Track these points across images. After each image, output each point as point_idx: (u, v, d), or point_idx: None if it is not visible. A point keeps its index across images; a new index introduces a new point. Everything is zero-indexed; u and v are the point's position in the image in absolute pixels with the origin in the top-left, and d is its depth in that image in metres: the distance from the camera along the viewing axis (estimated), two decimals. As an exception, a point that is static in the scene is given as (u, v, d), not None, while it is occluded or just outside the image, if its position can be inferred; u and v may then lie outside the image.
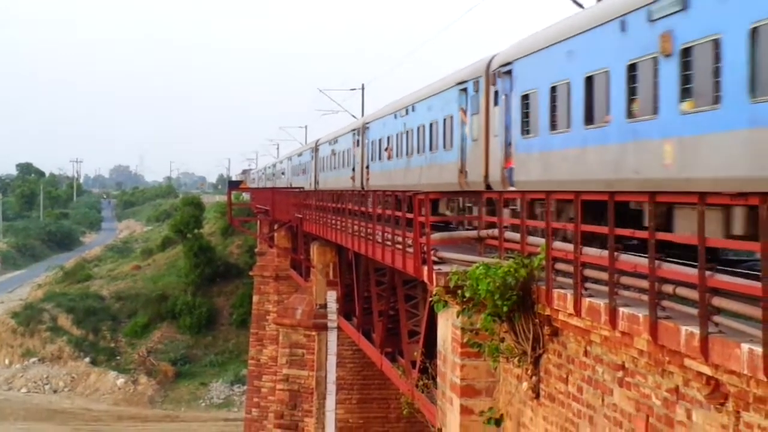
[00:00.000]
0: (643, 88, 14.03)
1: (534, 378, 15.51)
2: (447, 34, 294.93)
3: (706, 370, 10.41)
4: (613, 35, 14.93)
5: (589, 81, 15.86)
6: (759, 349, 9.34)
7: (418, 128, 29.21)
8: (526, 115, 19.05)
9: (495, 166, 21.20)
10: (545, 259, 14.66)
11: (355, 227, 29.93)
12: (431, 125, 27.57)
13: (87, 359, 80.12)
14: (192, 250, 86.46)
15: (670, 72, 13.09)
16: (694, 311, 10.66)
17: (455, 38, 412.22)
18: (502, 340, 16.06)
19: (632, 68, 14.28)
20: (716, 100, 12.06)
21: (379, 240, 25.60)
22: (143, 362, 79.17)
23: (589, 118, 15.92)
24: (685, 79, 12.79)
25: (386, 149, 34.52)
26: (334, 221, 34.87)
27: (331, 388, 39.08)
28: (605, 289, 12.76)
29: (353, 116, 62.38)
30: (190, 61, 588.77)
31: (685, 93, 12.77)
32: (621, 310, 12.26)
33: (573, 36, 16.71)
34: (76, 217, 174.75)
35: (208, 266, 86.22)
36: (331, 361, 39.57)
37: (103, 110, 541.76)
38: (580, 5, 24.32)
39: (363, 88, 71.99)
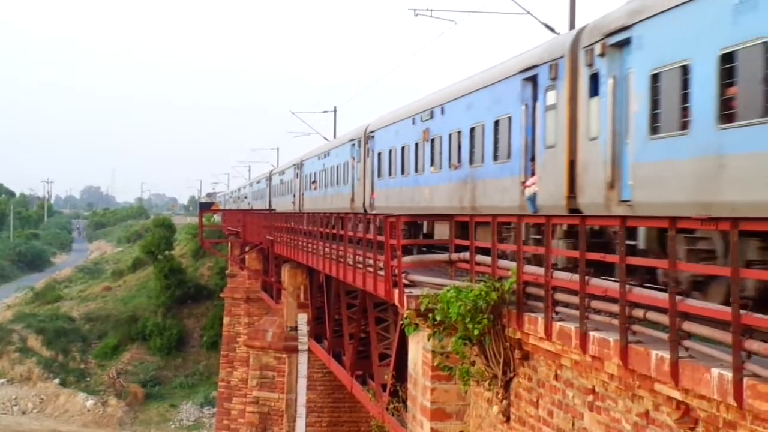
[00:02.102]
0: (420, 157, 26.58)
1: (504, 402, 15.47)
2: (418, 57, 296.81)
3: (677, 394, 10.40)
4: (411, 126, 27.63)
5: (403, 149, 28.67)
6: (729, 374, 9.35)
7: (331, 168, 42.07)
8: (379, 165, 32.02)
9: (368, 197, 33.59)
10: (516, 282, 14.65)
11: (326, 250, 29.91)
12: (337, 167, 40.29)
13: (56, 380, 79.31)
14: (163, 271, 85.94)
15: (428, 151, 25.78)
16: (665, 336, 10.66)
17: (426, 60, 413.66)
18: (473, 363, 16.00)
19: (417, 146, 26.96)
20: (440, 167, 24.43)
21: (350, 263, 25.56)
22: (113, 384, 78.45)
23: (403, 171, 28.64)
24: (432, 155, 25.33)
25: (313, 182, 47.62)
26: (304, 244, 34.83)
27: (302, 410, 38.89)
28: (576, 313, 12.75)
29: (325, 138, 62.60)
30: (163, 82, 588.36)
31: (432, 162, 25.26)
32: (591, 334, 12.25)
33: (397, 122, 29.94)
34: (47, 238, 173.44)
35: (179, 288, 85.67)
36: (302, 383, 39.39)
37: (74, 131, 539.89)
38: (552, 29, 25.62)
39: (335, 111, 71.89)
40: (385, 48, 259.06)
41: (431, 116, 25.34)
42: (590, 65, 15.67)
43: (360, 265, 24.19)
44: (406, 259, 19.37)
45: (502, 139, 19.94)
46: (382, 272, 20.83)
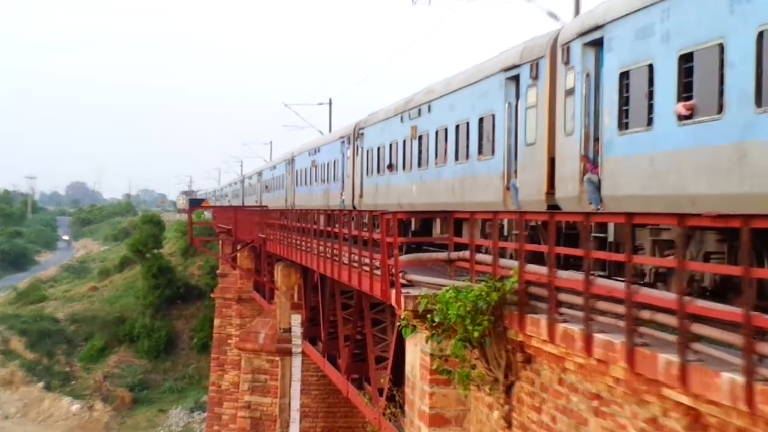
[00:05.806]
0: (312, 175, 46.20)
1: (506, 407, 15.29)
2: (414, 48, 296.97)
3: (686, 399, 10.26)
4: (308, 156, 46.98)
5: (305, 169, 47.74)
6: (740, 378, 9.20)
7: (276, 177, 62.34)
8: (297, 178, 51.02)
9: (293, 198, 51.95)
10: (518, 282, 14.43)
11: (321, 248, 29.66)
12: (280, 176, 59.52)
13: (40, 384, 78.82)
14: (151, 270, 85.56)
15: (314, 172, 45.52)
16: (673, 338, 10.50)
17: (422, 52, 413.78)
18: (473, 366, 15.83)
19: (310, 168, 46.35)
20: (319, 182, 44.13)
21: (346, 261, 25.27)
22: (99, 387, 78.04)
23: (305, 183, 48.19)
24: (315, 174, 45.12)
25: (266, 186, 69.28)
26: (298, 241, 34.54)
27: (295, 415, 38.58)
28: (580, 314, 12.56)
29: (319, 131, 62.53)
30: (151, 74, 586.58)
31: (315, 179, 45.13)
32: (597, 336, 12.06)
33: (304, 152, 48.83)
34: (31, 236, 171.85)
35: (168, 288, 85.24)
36: (295, 387, 39.07)
37: (59, 125, 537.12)
38: (555, 17, 26.03)
39: (330, 103, 70.84)
40: (383, 38, 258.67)
41: (315, 152, 44.78)
42: (356, 141, 34.88)
43: (356, 264, 23.87)
44: (404, 257, 19.15)
45: (336, 170, 39.24)
46: (378, 271, 20.57)
